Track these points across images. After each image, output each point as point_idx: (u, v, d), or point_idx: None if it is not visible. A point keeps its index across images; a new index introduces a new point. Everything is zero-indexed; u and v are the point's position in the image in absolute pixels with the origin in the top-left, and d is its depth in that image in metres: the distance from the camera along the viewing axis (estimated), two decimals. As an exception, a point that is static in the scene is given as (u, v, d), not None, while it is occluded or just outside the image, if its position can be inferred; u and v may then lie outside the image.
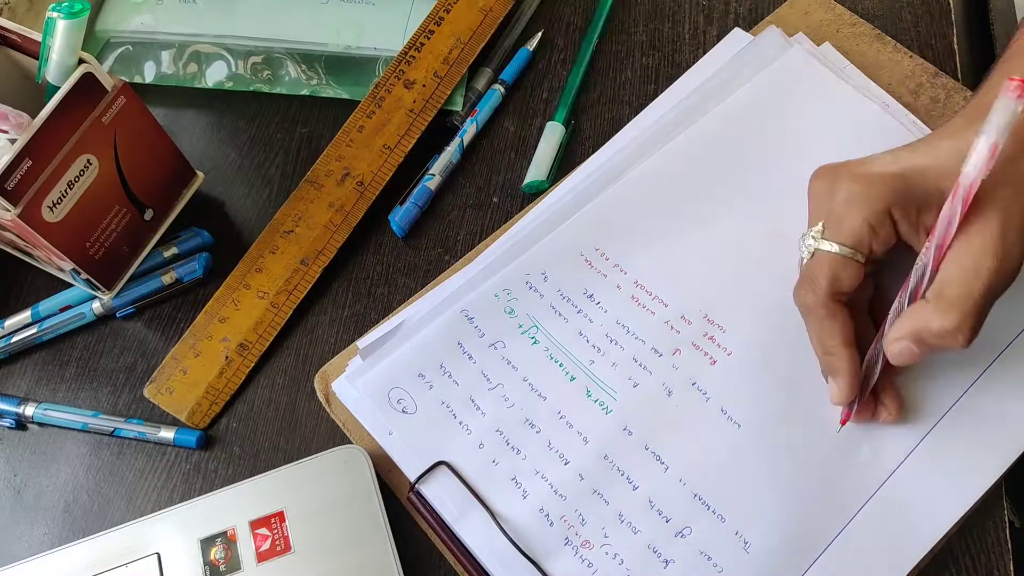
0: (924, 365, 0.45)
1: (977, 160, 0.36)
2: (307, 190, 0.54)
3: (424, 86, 0.56)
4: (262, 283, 0.52)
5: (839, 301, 0.42)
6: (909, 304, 0.40)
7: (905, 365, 0.40)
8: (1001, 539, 0.43)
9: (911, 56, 0.54)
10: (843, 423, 0.43)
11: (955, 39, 0.56)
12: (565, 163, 0.55)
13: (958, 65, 0.55)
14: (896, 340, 0.40)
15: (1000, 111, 0.35)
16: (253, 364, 0.51)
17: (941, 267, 0.39)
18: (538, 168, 0.54)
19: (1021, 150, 0.39)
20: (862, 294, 0.44)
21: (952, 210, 0.38)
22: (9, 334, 0.52)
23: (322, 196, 0.54)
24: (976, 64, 0.57)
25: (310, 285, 0.52)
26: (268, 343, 0.51)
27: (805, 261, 0.43)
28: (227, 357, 0.51)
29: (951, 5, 0.57)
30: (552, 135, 0.55)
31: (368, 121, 0.55)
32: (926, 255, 0.39)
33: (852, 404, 0.43)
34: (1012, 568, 0.43)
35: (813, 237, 0.42)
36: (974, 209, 0.38)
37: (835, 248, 0.41)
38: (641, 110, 0.55)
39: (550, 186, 0.53)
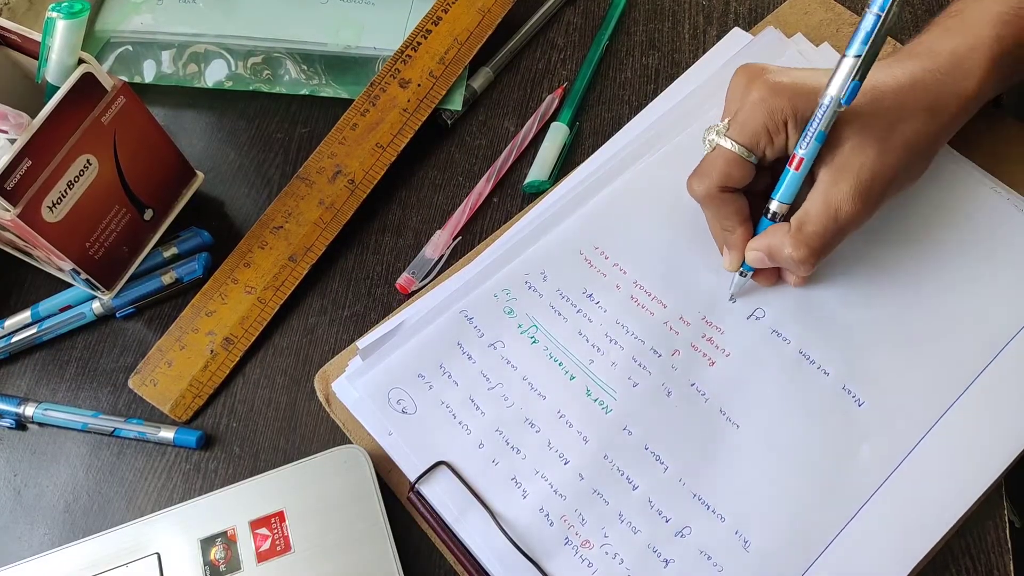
0: (921, 366, 0.45)
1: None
2: (298, 186, 0.54)
3: (419, 85, 0.56)
4: (250, 278, 0.52)
5: (730, 191, 0.45)
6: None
7: (759, 267, 0.45)
8: (1001, 539, 0.43)
9: (911, 56, 0.54)
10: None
11: (955, 39, 0.56)
12: (567, 163, 0.55)
13: (958, 65, 0.55)
14: (753, 249, 0.45)
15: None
16: (238, 359, 0.51)
17: (809, 197, 0.43)
18: (541, 168, 0.54)
19: (914, 113, 0.43)
20: (759, 184, 0.46)
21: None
22: (9, 334, 0.52)
23: (313, 193, 0.54)
24: None
25: (297, 281, 0.52)
26: (254, 338, 0.51)
27: (706, 153, 0.45)
28: (212, 351, 0.51)
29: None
30: (556, 135, 0.55)
31: (362, 119, 0.55)
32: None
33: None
34: (1012, 568, 0.43)
35: (716, 132, 0.44)
36: (851, 150, 0.42)
37: (732, 146, 0.43)
38: (641, 110, 0.55)
39: (551, 186, 0.53)
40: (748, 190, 0.45)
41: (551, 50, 0.59)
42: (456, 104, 0.57)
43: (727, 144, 0.43)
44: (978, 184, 0.49)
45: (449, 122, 0.57)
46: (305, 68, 0.58)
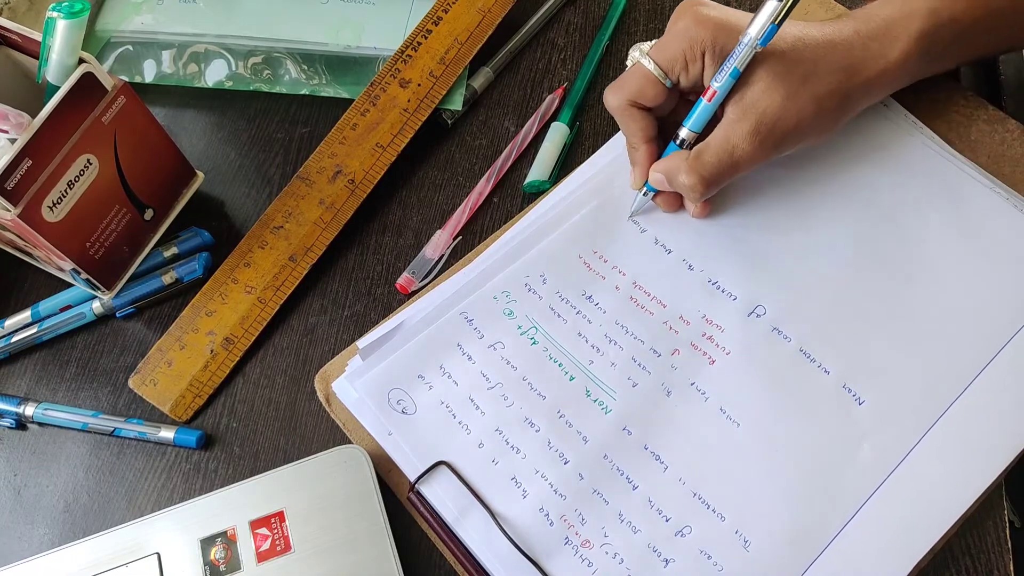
0: (922, 365, 0.45)
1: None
2: (298, 186, 0.54)
3: (419, 85, 0.56)
4: (250, 278, 0.52)
5: (640, 108, 0.47)
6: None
7: (659, 189, 0.48)
8: (1001, 539, 0.43)
9: (911, 56, 0.54)
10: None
11: (955, 39, 0.56)
12: (567, 163, 0.55)
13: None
14: (654, 171, 0.47)
15: None
16: (238, 358, 0.51)
17: (715, 128, 0.45)
18: (541, 168, 0.54)
19: (831, 70, 0.44)
20: (678, 114, 0.47)
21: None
22: (9, 334, 0.52)
23: (313, 193, 0.54)
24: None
25: (298, 281, 0.52)
26: (254, 338, 0.51)
27: (628, 67, 0.47)
28: (212, 351, 0.51)
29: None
30: (557, 135, 0.55)
31: (362, 119, 0.55)
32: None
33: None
34: (1012, 568, 0.43)
35: (640, 50, 0.47)
36: (761, 91, 0.43)
37: (649, 64, 0.45)
38: (641, 110, 0.55)
39: (551, 186, 0.53)
40: (667, 118, 0.48)
41: (551, 50, 0.59)
42: (456, 104, 0.57)
43: (646, 62, 0.46)
44: (978, 185, 0.49)
45: (449, 122, 0.57)
46: (305, 68, 0.58)
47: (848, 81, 0.45)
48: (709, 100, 0.44)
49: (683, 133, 0.46)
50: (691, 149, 0.46)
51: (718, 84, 0.44)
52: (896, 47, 0.45)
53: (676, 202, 0.49)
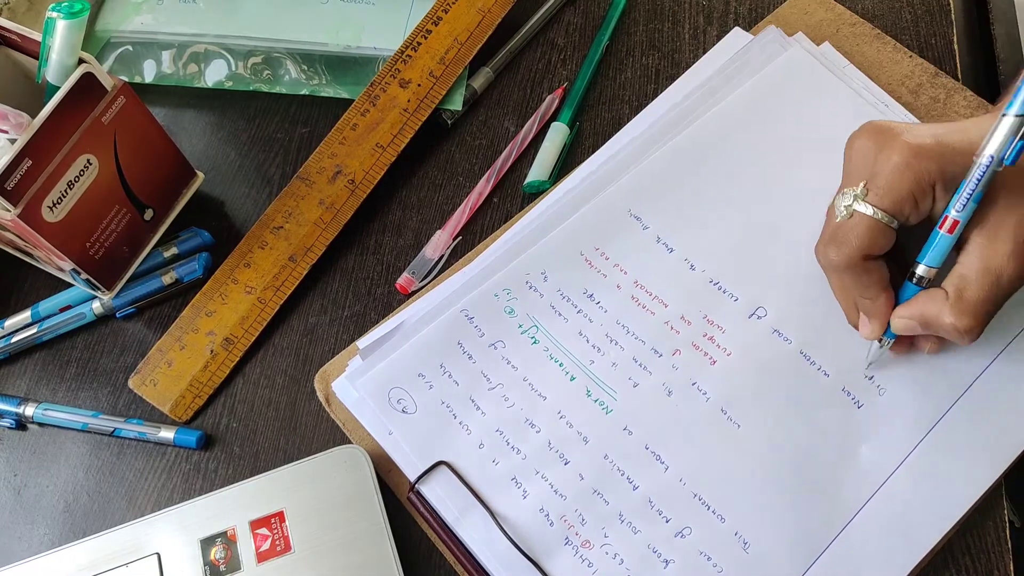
0: (921, 367, 0.45)
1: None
2: (298, 187, 0.54)
3: (419, 85, 0.56)
4: (250, 278, 0.52)
5: (871, 259, 0.42)
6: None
7: (907, 334, 0.43)
8: (1001, 539, 0.43)
9: (911, 56, 0.54)
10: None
11: (955, 39, 0.56)
12: (567, 163, 0.55)
13: (958, 65, 0.55)
14: (902, 317, 0.42)
15: None
16: (238, 359, 0.51)
17: (962, 257, 0.40)
18: (541, 168, 0.54)
19: None
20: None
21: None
22: (9, 334, 0.52)
23: (313, 193, 0.54)
24: (976, 64, 0.57)
25: (298, 282, 0.52)
26: (254, 338, 0.51)
27: (839, 219, 0.42)
28: (212, 351, 0.51)
29: (951, 5, 0.57)
30: (557, 135, 0.55)
31: (362, 119, 0.55)
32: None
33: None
34: (1012, 568, 0.43)
35: (854, 197, 0.41)
36: (1004, 209, 0.39)
37: (875, 213, 0.41)
38: (641, 110, 0.55)
39: (551, 186, 0.53)
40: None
41: (551, 50, 0.59)
42: (456, 104, 0.57)
43: (868, 211, 0.41)
44: None
45: (449, 122, 0.57)
46: (305, 68, 0.58)
47: None
48: (951, 232, 0.40)
49: (920, 271, 0.42)
50: (932, 286, 0.42)
51: (959, 213, 0.40)
52: None
53: (909, 344, 0.45)
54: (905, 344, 0.45)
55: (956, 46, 0.56)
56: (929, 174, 0.40)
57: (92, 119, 0.45)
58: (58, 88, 0.44)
